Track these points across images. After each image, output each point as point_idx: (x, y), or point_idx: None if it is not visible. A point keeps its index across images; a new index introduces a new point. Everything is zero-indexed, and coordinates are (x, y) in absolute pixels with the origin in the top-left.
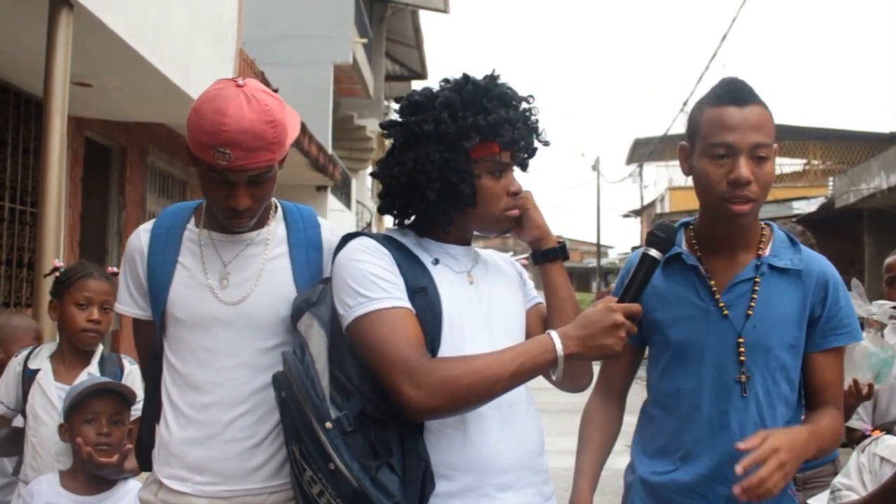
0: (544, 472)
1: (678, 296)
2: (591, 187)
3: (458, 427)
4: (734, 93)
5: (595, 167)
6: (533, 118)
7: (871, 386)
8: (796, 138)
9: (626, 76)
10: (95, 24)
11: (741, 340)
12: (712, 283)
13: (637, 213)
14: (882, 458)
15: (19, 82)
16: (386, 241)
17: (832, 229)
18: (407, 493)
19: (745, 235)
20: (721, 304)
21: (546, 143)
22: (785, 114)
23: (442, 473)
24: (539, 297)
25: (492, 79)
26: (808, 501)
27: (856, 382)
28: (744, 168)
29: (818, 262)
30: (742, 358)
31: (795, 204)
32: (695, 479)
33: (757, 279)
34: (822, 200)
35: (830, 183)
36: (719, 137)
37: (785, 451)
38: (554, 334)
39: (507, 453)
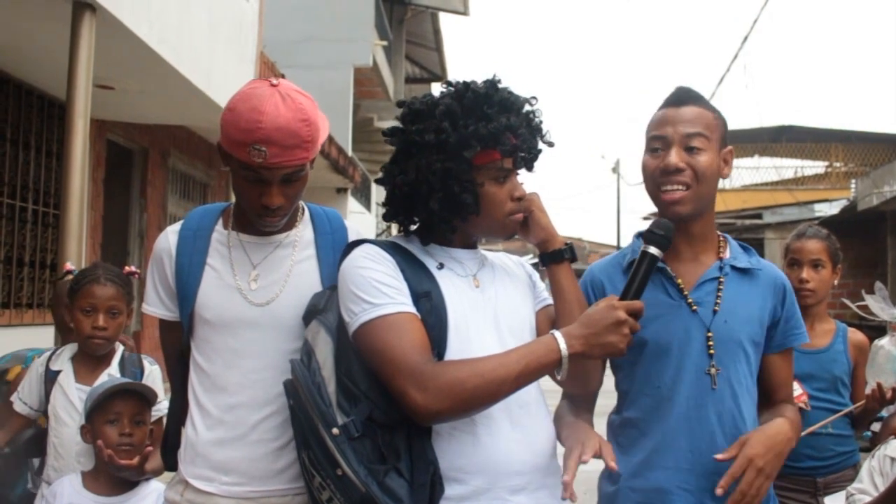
0: (557, 474)
1: (647, 297)
2: (612, 189)
3: (468, 429)
4: (676, 96)
5: (615, 169)
6: (536, 120)
7: (894, 390)
8: (818, 140)
9: (647, 78)
10: (118, 27)
11: (710, 335)
12: (679, 282)
13: (657, 214)
14: (893, 459)
15: (42, 85)
16: (390, 247)
17: (855, 232)
18: (415, 498)
19: (704, 239)
20: (690, 301)
21: (550, 144)
22: (806, 116)
23: (453, 477)
24: (550, 299)
25: (492, 85)
26: (825, 500)
27: (879, 386)
28: (673, 156)
29: (773, 267)
30: (711, 352)
31: (817, 206)
32: (677, 475)
33: (721, 279)
34: (844, 203)
35: (853, 185)
36: (654, 132)
37: (761, 456)
38: (558, 334)
39: (519, 455)
